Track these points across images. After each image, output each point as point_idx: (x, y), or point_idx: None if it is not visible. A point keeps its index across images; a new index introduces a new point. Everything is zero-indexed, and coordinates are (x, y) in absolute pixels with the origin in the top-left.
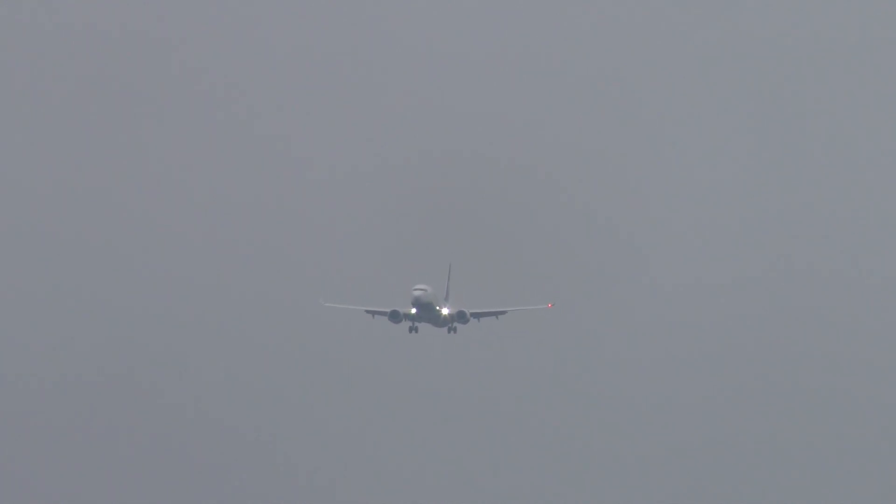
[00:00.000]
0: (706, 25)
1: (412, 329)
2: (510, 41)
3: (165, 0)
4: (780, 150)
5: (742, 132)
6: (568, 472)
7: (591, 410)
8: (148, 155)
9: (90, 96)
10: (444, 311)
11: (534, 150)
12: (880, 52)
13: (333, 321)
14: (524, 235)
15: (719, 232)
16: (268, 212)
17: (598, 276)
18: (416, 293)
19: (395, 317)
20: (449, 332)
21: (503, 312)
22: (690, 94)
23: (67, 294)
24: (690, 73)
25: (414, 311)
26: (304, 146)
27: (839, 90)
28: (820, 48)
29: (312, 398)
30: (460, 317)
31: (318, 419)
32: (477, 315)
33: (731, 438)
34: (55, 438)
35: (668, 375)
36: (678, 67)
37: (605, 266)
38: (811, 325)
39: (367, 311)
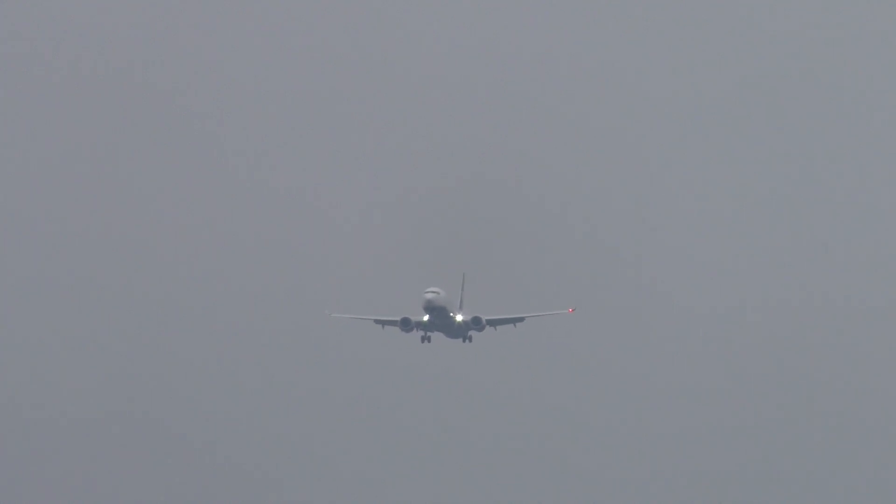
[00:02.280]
0: (719, 38)
1: (424, 339)
2: (520, 58)
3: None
4: (792, 165)
5: (753, 147)
6: (586, 491)
7: (614, 427)
8: (160, 169)
9: (97, 106)
10: (459, 318)
11: (545, 165)
12: (882, 77)
13: (341, 333)
14: (534, 246)
15: (733, 243)
16: (271, 222)
17: (613, 285)
18: (429, 296)
19: (406, 325)
20: (464, 341)
21: (521, 319)
22: (705, 111)
23: (80, 293)
24: (703, 86)
25: (426, 317)
26: (308, 156)
27: (851, 106)
28: (834, 62)
29: (320, 415)
30: (476, 323)
31: (328, 437)
32: (493, 322)
33: (750, 447)
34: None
35: (689, 386)
36: (690, 82)
37: (619, 275)
38: (818, 341)
39: (377, 322)
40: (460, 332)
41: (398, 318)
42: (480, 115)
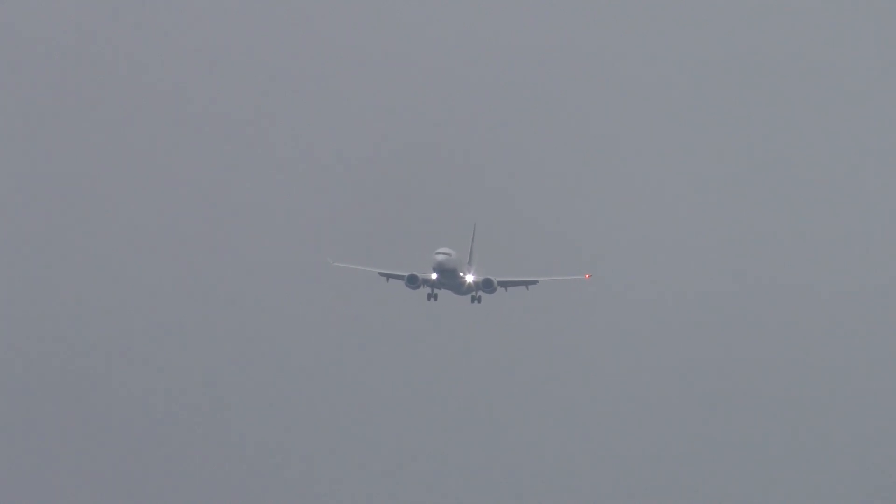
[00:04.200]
0: (698, 29)
1: (431, 296)
2: (509, 32)
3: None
4: (753, 157)
5: (718, 139)
6: (593, 461)
7: (629, 394)
8: (154, 143)
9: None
10: (468, 279)
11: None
12: (867, 63)
13: (342, 284)
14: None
15: (693, 237)
16: (278, 172)
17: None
18: (440, 258)
19: (412, 282)
20: (473, 301)
21: (534, 282)
22: (666, 103)
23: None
24: (665, 82)
25: (434, 276)
26: (319, 114)
27: (812, 101)
28: (792, 59)
29: (316, 370)
30: (487, 285)
31: (323, 395)
32: (505, 284)
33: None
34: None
35: (689, 360)
36: (654, 76)
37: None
38: (782, 333)
39: (381, 274)
40: (469, 292)
41: (405, 274)
42: (483, 85)
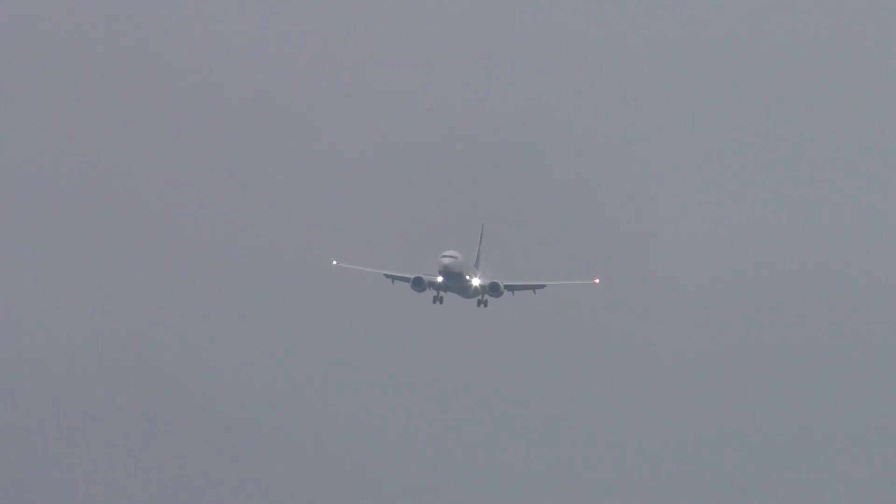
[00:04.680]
0: (708, 21)
1: (437, 299)
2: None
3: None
4: (782, 145)
5: (745, 128)
6: (597, 465)
7: (636, 398)
8: (175, 132)
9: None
10: (475, 282)
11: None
12: (877, 52)
13: (346, 286)
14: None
15: (725, 224)
16: (283, 173)
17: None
18: (445, 261)
19: (418, 284)
20: (479, 304)
21: (541, 286)
22: (695, 91)
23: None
24: (694, 69)
25: (440, 279)
26: (323, 112)
27: (837, 89)
28: (818, 46)
29: (319, 372)
30: (493, 289)
31: (325, 399)
32: (511, 287)
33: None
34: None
35: (700, 364)
36: (682, 64)
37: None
38: (809, 320)
39: (387, 276)
40: (475, 295)
41: (411, 276)
42: (500, 85)
